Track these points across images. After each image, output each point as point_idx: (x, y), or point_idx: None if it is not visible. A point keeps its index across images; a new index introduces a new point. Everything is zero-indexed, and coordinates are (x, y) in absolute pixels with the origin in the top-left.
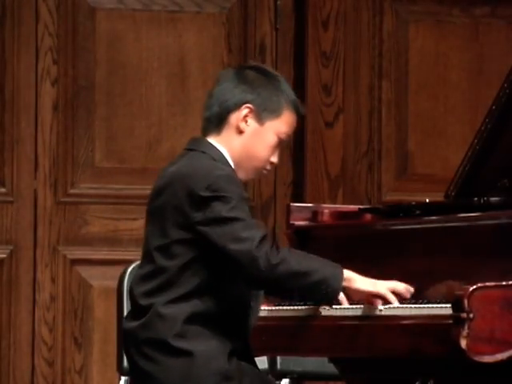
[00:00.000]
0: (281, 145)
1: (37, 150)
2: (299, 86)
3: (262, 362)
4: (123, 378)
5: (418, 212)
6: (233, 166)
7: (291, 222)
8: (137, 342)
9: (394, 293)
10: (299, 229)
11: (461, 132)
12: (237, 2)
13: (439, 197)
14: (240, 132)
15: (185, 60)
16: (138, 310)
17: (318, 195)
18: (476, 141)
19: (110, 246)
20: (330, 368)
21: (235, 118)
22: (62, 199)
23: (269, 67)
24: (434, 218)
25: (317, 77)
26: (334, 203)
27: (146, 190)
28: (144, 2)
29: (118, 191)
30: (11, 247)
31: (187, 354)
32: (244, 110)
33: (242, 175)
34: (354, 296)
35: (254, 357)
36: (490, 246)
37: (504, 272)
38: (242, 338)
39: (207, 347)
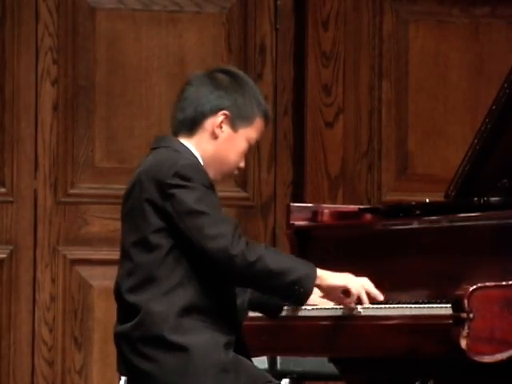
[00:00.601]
0: (248, 150)
1: (37, 150)
2: (299, 86)
3: (262, 362)
4: (123, 378)
5: (417, 212)
6: (200, 159)
7: (291, 221)
8: (131, 342)
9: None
10: (299, 229)
11: (461, 132)
12: (237, 2)
13: (439, 197)
14: (214, 137)
15: (185, 60)
16: (127, 311)
17: (318, 195)
18: (476, 141)
19: (110, 246)
20: (330, 368)
21: (211, 123)
22: (62, 199)
23: (237, 70)
24: (433, 217)
25: (317, 77)
26: (334, 203)
27: None
28: (144, 2)
29: (118, 191)
30: (11, 247)
31: (183, 349)
32: (220, 117)
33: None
34: (328, 295)
35: (247, 352)
36: (490, 245)
37: (504, 272)
38: (234, 330)
39: (202, 341)
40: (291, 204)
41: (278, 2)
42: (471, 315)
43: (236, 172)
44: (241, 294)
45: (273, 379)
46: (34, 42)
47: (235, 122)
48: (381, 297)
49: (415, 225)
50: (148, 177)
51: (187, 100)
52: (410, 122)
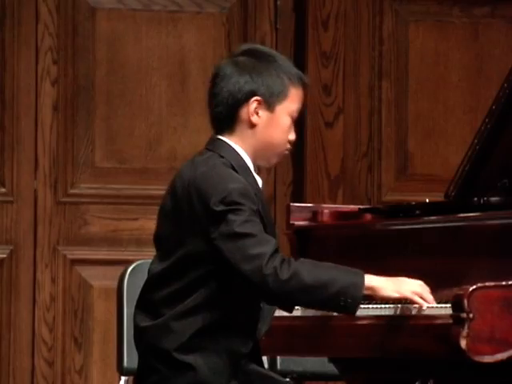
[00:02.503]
0: (294, 121)
1: (37, 150)
2: None
3: None
4: (123, 378)
5: (417, 212)
6: (251, 165)
7: (291, 222)
8: (145, 345)
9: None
10: (299, 229)
11: (461, 132)
12: (237, 2)
13: (439, 197)
14: (253, 126)
15: (185, 60)
16: (149, 310)
17: (318, 195)
18: (476, 141)
19: (110, 245)
20: (330, 368)
21: (246, 113)
22: (62, 199)
23: (260, 47)
24: (433, 218)
25: (317, 77)
26: (334, 203)
27: (146, 190)
28: (144, 2)
29: (118, 191)
30: (11, 247)
31: (190, 368)
32: (253, 104)
33: (265, 163)
34: (379, 299)
35: (261, 355)
36: (490, 246)
37: (504, 272)
38: (252, 343)
39: (211, 362)
40: (291, 204)
41: (278, 2)
42: (471, 315)
43: (289, 147)
44: (267, 308)
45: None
46: (34, 42)
47: (269, 102)
48: (432, 302)
49: (415, 225)
50: (198, 196)
51: (217, 96)
52: (410, 122)
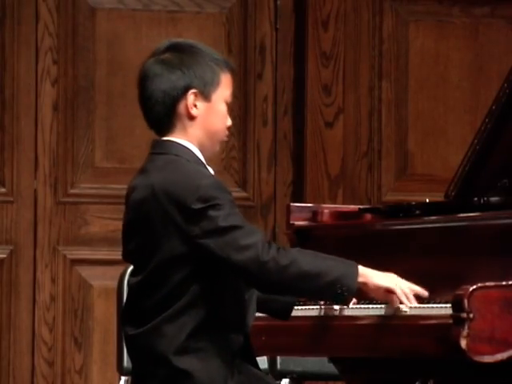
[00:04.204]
0: (229, 106)
1: (37, 150)
2: (299, 86)
3: (262, 361)
4: (123, 378)
5: (417, 212)
6: (202, 158)
7: (291, 222)
8: (139, 351)
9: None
10: (299, 229)
11: (461, 132)
12: (237, 2)
13: (439, 197)
14: (193, 118)
15: None
16: (137, 318)
17: (318, 195)
18: (476, 141)
19: (110, 246)
20: (330, 368)
21: (184, 107)
22: (61, 199)
23: (181, 39)
24: (433, 217)
25: (317, 77)
26: (334, 203)
27: None
28: (144, 2)
29: (118, 191)
30: (11, 247)
31: (188, 375)
32: (190, 97)
33: (209, 154)
34: (370, 293)
35: (254, 356)
36: (490, 245)
37: (504, 272)
38: (243, 337)
39: (207, 365)
40: (291, 204)
41: (278, 2)
42: (471, 315)
43: (227, 133)
44: (249, 292)
45: None
46: (34, 42)
47: (205, 92)
48: (425, 293)
49: (415, 225)
50: (168, 199)
51: (152, 97)
52: (410, 121)
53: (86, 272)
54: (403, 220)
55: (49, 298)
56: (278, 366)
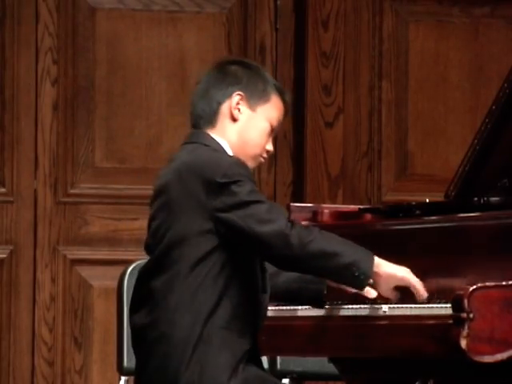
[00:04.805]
0: (274, 132)
1: (37, 150)
2: (299, 86)
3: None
4: (123, 378)
5: (418, 212)
6: (231, 154)
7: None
8: (145, 341)
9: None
10: None
11: (461, 132)
12: (237, 2)
13: (439, 197)
14: (234, 120)
15: (185, 60)
16: (146, 303)
17: (318, 195)
18: (476, 141)
19: (110, 246)
20: (330, 368)
21: (227, 107)
22: (61, 199)
23: (245, 59)
24: (433, 217)
25: (317, 77)
26: (334, 203)
27: (146, 190)
28: (144, 2)
29: (118, 191)
30: (11, 247)
31: (194, 365)
32: (235, 98)
33: None
34: (382, 282)
35: (260, 358)
36: (490, 245)
37: (504, 272)
38: (253, 337)
39: (214, 359)
40: (291, 204)
41: (278, 2)
42: (471, 315)
43: (265, 155)
44: (264, 304)
45: None
46: (34, 42)
47: (251, 100)
48: (425, 294)
49: (415, 225)
50: (192, 175)
51: (200, 94)
52: (410, 122)
53: (86, 272)
54: (403, 220)
55: (49, 297)
56: (278, 366)
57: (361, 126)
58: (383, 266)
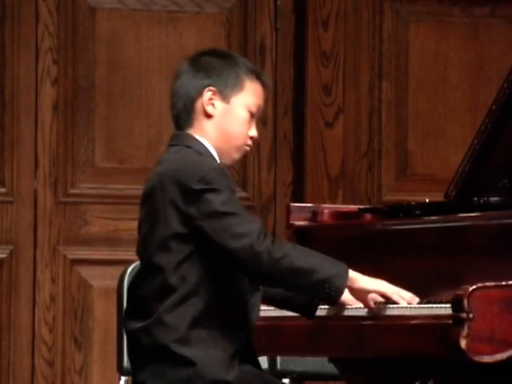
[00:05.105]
0: (255, 118)
1: (37, 150)
2: (299, 86)
3: (262, 361)
4: (123, 378)
5: (417, 212)
6: (216, 157)
7: (291, 221)
8: (140, 346)
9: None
10: (299, 229)
11: (461, 132)
12: (237, 1)
13: (439, 197)
14: (210, 116)
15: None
16: (139, 310)
17: (318, 195)
18: (476, 141)
19: (110, 246)
20: (330, 368)
21: (200, 104)
22: (62, 199)
23: (219, 49)
24: (433, 218)
25: (317, 77)
26: (334, 203)
27: None
28: (144, 2)
29: (118, 191)
30: (11, 247)
31: (189, 362)
32: (207, 93)
33: (226, 160)
34: (356, 296)
35: (256, 356)
36: (490, 246)
37: (504, 272)
38: (244, 337)
39: (209, 355)
40: (291, 204)
41: (278, 2)
42: (471, 315)
43: (250, 143)
44: (253, 294)
45: None
46: (34, 42)
47: (224, 93)
48: (416, 299)
49: (415, 225)
50: (171, 180)
51: (175, 94)
52: (410, 122)
53: (86, 272)
54: (403, 220)
55: (49, 298)
56: (278, 366)
57: (361, 126)
58: (357, 281)
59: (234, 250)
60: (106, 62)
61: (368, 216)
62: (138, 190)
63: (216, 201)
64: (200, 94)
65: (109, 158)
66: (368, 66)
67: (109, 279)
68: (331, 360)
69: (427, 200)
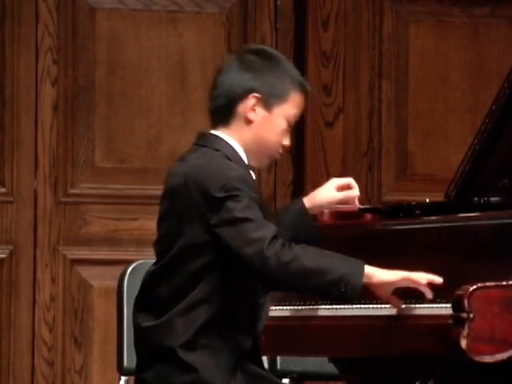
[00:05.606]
0: (291, 127)
1: (37, 150)
2: None
3: None
4: (123, 378)
5: (418, 212)
6: (245, 159)
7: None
8: (150, 345)
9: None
10: None
11: (461, 132)
12: (237, 1)
13: (439, 197)
14: (249, 122)
15: (185, 60)
16: (151, 307)
17: None
18: (476, 141)
19: (110, 246)
20: (330, 368)
21: (243, 108)
22: (62, 199)
23: (268, 48)
24: (433, 218)
25: (317, 77)
26: None
27: (146, 190)
28: (144, 2)
29: (118, 191)
30: (11, 247)
31: (191, 368)
32: (251, 100)
33: (255, 163)
34: (377, 291)
35: (261, 359)
36: (490, 245)
37: (504, 272)
38: (251, 341)
39: (212, 361)
40: None
41: (278, 2)
42: (471, 315)
43: (281, 151)
44: (265, 306)
45: None
46: (34, 42)
47: (268, 102)
48: (440, 279)
49: (415, 225)
50: (196, 186)
51: (218, 87)
52: (410, 122)
53: (86, 272)
54: (403, 220)
55: (49, 298)
56: (278, 366)
57: (361, 126)
58: (376, 276)
59: (246, 256)
60: (106, 62)
61: (368, 216)
62: (138, 189)
63: (235, 208)
64: (244, 97)
65: (109, 158)
66: (368, 66)
67: (109, 279)
68: (331, 360)
69: (427, 200)
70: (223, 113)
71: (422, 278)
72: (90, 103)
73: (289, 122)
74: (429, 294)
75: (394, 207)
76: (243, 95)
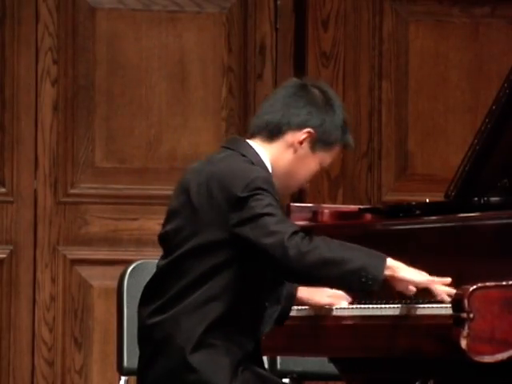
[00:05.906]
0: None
1: (37, 150)
2: None
3: None
4: (123, 378)
5: (418, 212)
6: (270, 169)
7: (292, 221)
8: (152, 341)
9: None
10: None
11: (461, 132)
12: (237, 1)
13: (439, 197)
14: (292, 151)
15: (185, 60)
16: (157, 303)
17: (318, 195)
18: (476, 141)
19: (110, 246)
20: (330, 368)
21: (292, 137)
22: (62, 199)
23: (330, 89)
24: (433, 218)
25: (317, 77)
26: (334, 203)
27: (146, 190)
28: (144, 2)
29: (118, 191)
30: (11, 247)
31: (193, 369)
32: (304, 135)
33: (279, 189)
34: (398, 286)
35: (262, 360)
36: (490, 245)
37: (504, 272)
38: (254, 343)
39: (215, 362)
40: (291, 204)
41: (278, 2)
42: (471, 315)
43: (296, 189)
44: (273, 306)
45: None
46: (34, 42)
47: (317, 143)
48: (448, 279)
49: (415, 225)
50: (219, 185)
51: (277, 104)
52: (410, 122)
53: (86, 272)
54: (403, 220)
55: (49, 298)
56: (278, 366)
57: (361, 126)
58: (401, 271)
59: (264, 247)
60: (106, 62)
61: (368, 216)
62: (138, 189)
63: (258, 205)
64: (299, 127)
65: (109, 158)
66: (368, 66)
67: (109, 279)
68: (331, 360)
69: (427, 200)
70: (271, 130)
71: (441, 292)
72: (90, 103)
73: (320, 167)
74: (446, 299)
75: (394, 207)
76: (299, 126)
